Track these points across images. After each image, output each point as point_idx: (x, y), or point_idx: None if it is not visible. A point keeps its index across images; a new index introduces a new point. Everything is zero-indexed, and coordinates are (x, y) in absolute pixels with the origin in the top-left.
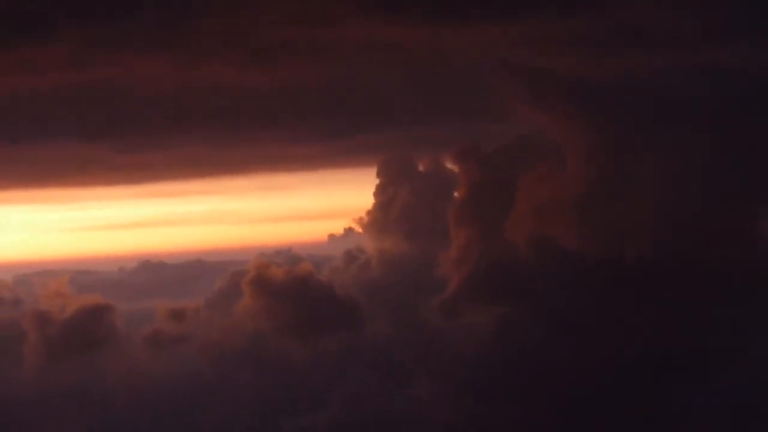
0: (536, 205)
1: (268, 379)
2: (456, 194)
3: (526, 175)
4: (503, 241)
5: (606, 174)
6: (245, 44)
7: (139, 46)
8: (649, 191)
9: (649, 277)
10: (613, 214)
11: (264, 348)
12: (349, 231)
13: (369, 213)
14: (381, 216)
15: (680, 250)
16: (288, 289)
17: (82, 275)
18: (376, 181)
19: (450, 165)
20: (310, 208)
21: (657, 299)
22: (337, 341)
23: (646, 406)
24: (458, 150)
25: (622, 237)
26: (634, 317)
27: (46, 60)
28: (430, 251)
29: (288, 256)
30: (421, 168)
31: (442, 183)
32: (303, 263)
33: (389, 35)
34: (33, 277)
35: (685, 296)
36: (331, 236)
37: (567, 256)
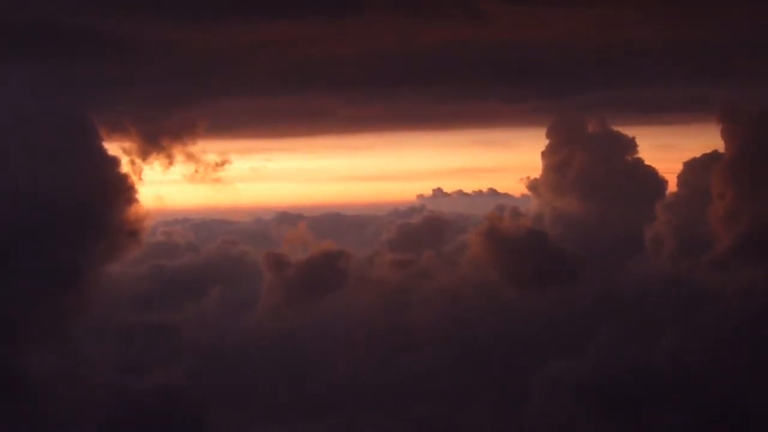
0: None
1: (511, 328)
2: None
3: None
4: None
5: None
6: None
7: None
8: None
9: None
10: None
11: (495, 297)
12: (437, 191)
13: (543, 173)
14: (552, 176)
15: None
16: (519, 242)
17: (221, 225)
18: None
19: (717, 124)
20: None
21: None
22: (568, 293)
23: None
24: (725, 109)
25: None
26: None
27: None
28: (610, 210)
29: (428, 211)
30: (589, 130)
31: (611, 145)
32: (522, 218)
33: None
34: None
35: None
36: (420, 196)
37: None
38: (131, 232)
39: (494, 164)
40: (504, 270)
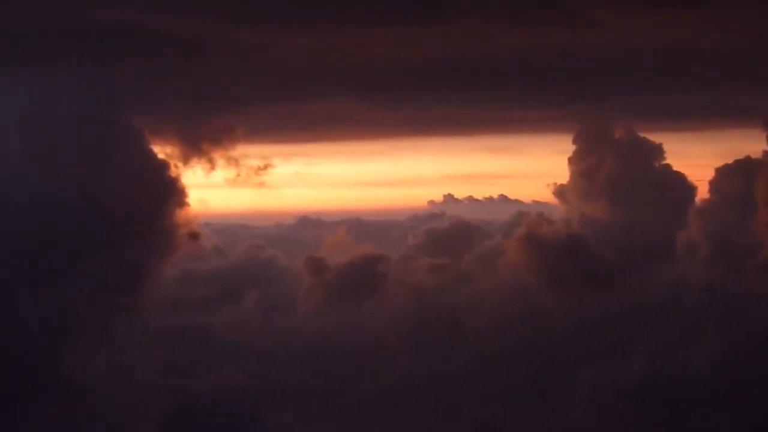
0: None
1: (552, 332)
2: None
3: None
4: None
5: None
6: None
7: None
8: None
9: None
10: None
11: (536, 301)
12: (448, 197)
13: (570, 179)
14: (580, 183)
15: None
16: (560, 247)
17: (242, 229)
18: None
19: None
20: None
21: None
22: (605, 298)
23: None
24: None
25: None
26: None
27: None
28: (640, 216)
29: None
30: (617, 136)
31: (639, 151)
32: (558, 224)
33: None
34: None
35: None
36: (431, 202)
37: None
38: (193, 234)
39: (503, 170)
40: (545, 275)
